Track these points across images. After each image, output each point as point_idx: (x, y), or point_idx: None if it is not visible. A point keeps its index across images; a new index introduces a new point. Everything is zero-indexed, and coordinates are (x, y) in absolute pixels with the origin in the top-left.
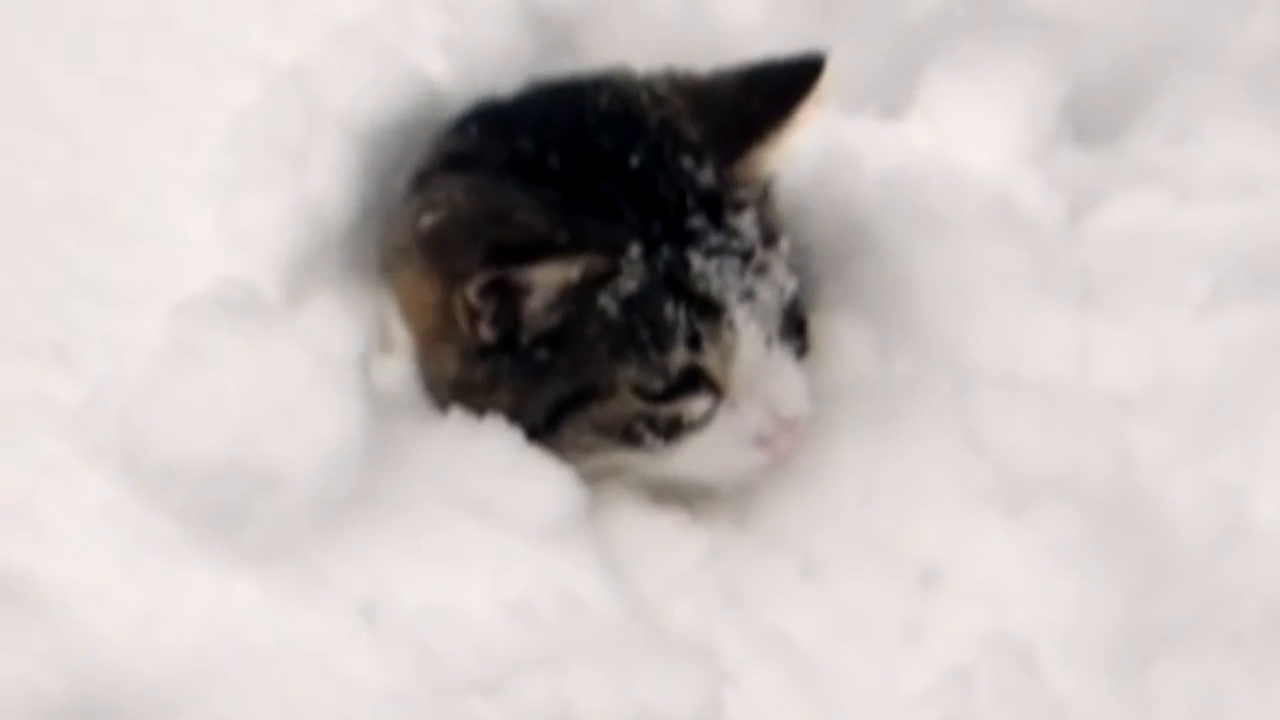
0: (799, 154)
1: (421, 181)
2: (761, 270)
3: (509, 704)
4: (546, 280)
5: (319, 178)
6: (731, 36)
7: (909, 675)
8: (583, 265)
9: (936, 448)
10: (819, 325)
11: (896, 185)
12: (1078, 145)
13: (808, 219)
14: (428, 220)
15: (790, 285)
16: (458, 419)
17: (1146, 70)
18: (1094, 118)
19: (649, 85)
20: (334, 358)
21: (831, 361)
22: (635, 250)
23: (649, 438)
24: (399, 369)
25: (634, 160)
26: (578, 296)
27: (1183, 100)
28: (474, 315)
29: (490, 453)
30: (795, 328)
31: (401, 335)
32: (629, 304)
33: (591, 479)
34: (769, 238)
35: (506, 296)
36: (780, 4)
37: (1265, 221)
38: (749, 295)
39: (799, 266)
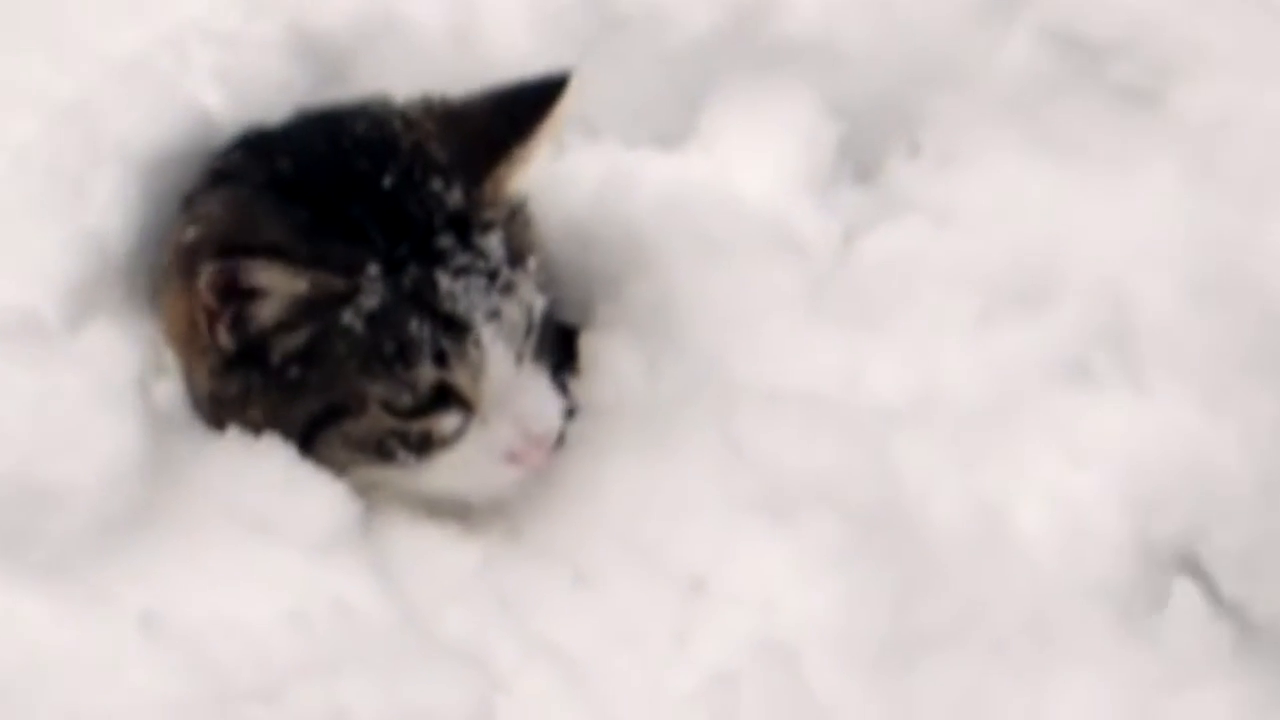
0: (576, 180)
1: (188, 202)
2: (508, 289)
3: (286, 710)
4: (274, 286)
5: (99, 207)
6: (501, 67)
7: (677, 680)
8: (310, 281)
9: (702, 460)
10: (591, 344)
11: (673, 210)
12: (850, 173)
13: (584, 241)
14: (188, 234)
15: (539, 304)
16: (235, 437)
17: (910, 96)
18: (863, 145)
19: (403, 112)
20: (113, 381)
21: (601, 379)
22: (374, 269)
23: (402, 453)
24: (176, 390)
25: (385, 182)
26: (318, 314)
27: (945, 125)
28: (211, 317)
29: (266, 469)
30: (550, 345)
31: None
32: (373, 321)
33: (363, 492)
34: (516, 257)
35: (242, 302)
36: (548, 34)
37: (1028, 243)
38: (495, 314)
39: (547, 284)
